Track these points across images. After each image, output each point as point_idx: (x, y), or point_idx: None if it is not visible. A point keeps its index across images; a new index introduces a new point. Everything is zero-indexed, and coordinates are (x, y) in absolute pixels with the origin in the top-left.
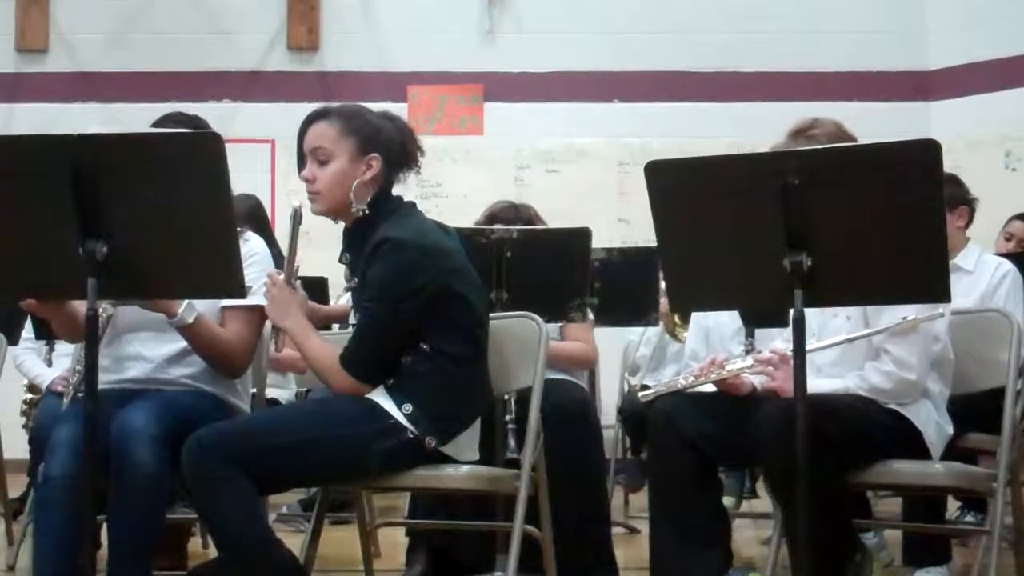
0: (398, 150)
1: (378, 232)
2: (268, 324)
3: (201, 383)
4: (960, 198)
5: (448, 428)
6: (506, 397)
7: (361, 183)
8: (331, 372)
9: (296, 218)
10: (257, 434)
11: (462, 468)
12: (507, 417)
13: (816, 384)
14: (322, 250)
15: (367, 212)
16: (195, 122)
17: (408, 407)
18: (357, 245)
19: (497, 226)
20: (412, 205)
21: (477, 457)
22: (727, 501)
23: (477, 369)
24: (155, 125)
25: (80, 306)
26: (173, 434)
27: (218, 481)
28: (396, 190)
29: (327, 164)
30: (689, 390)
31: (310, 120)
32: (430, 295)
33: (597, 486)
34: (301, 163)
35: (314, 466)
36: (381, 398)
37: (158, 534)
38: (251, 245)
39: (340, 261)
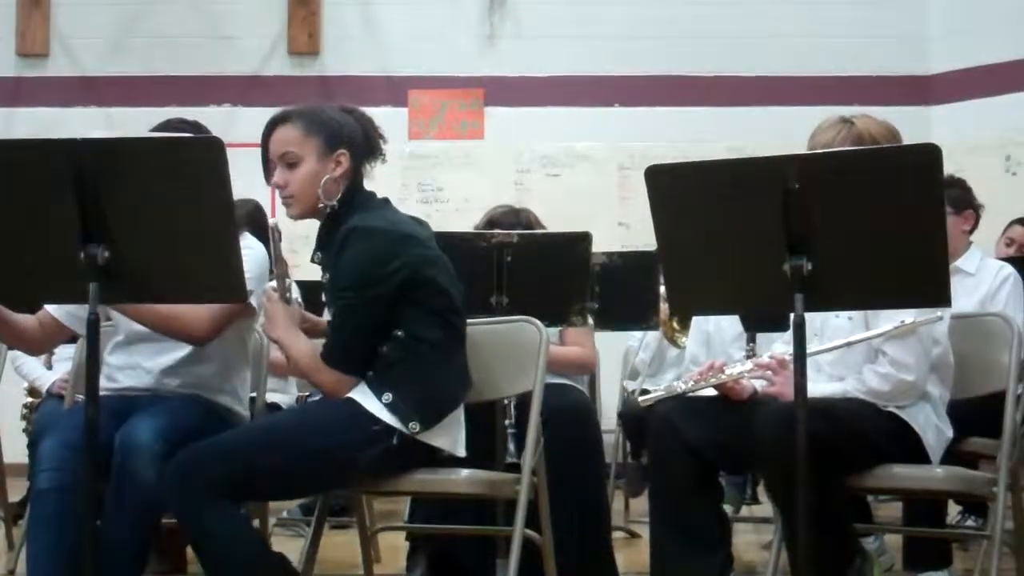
0: (363, 142)
1: (348, 222)
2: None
3: (199, 392)
4: (968, 202)
5: (429, 413)
6: (506, 401)
7: (331, 180)
8: (314, 371)
9: (276, 235)
10: (240, 453)
11: (462, 472)
12: (507, 422)
13: (815, 388)
14: None
15: (336, 207)
16: (196, 128)
17: (388, 396)
18: (329, 242)
19: (497, 230)
20: (385, 200)
21: (463, 454)
22: (727, 509)
23: (454, 354)
24: (154, 131)
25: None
26: (175, 447)
27: (200, 505)
28: (396, 193)
29: (297, 167)
30: (689, 394)
31: (272, 125)
32: (402, 280)
33: (597, 490)
34: (267, 171)
35: (301, 480)
36: (362, 394)
37: (149, 546)
38: (246, 241)
39: (312, 260)
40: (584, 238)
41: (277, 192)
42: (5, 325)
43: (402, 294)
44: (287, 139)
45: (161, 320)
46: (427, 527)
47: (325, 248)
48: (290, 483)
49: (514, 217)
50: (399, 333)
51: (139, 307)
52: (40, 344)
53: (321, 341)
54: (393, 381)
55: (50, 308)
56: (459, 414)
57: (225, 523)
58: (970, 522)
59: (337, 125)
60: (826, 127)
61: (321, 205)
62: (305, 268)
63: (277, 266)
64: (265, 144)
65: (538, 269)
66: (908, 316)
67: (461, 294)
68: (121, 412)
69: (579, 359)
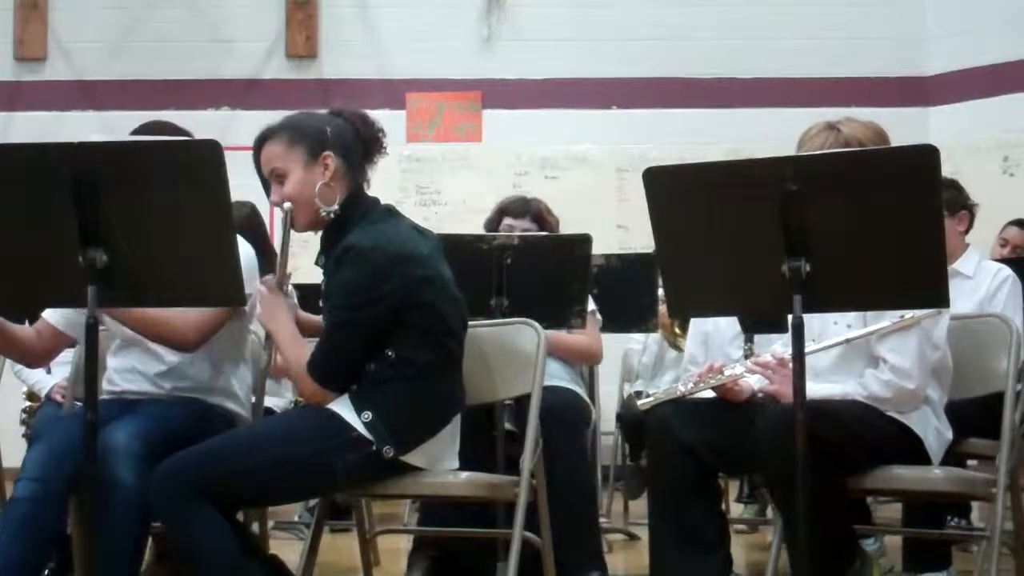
0: (352, 142)
1: (346, 238)
2: (263, 333)
3: (196, 394)
4: (961, 203)
5: (408, 437)
6: (507, 403)
7: (323, 186)
8: (300, 377)
9: (288, 221)
10: (219, 459)
11: (461, 475)
12: (507, 426)
13: (815, 389)
14: None
15: (337, 213)
16: (175, 132)
17: (368, 415)
18: (330, 249)
19: (499, 232)
20: (387, 210)
21: (456, 466)
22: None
23: (444, 378)
24: (134, 135)
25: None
26: (159, 449)
27: (182, 513)
28: (394, 196)
29: (285, 179)
30: (688, 396)
31: (258, 146)
32: (393, 303)
33: (584, 490)
34: (268, 191)
35: (279, 486)
36: (342, 407)
37: (142, 549)
38: None
39: (316, 263)
40: (584, 240)
41: (279, 210)
42: (1, 336)
43: (394, 315)
44: (272, 155)
45: (150, 325)
46: (426, 529)
47: (327, 255)
48: (269, 490)
49: (524, 206)
50: (389, 353)
51: (129, 312)
52: (39, 355)
53: (313, 342)
54: (375, 401)
55: (48, 316)
56: (448, 430)
57: (204, 530)
58: (953, 523)
59: (318, 130)
60: (813, 133)
61: (323, 213)
62: (302, 271)
63: (282, 254)
64: (258, 167)
65: (538, 271)
66: (908, 316)
67: (461, 312)
68: (117, 416)
69: (585, 347)
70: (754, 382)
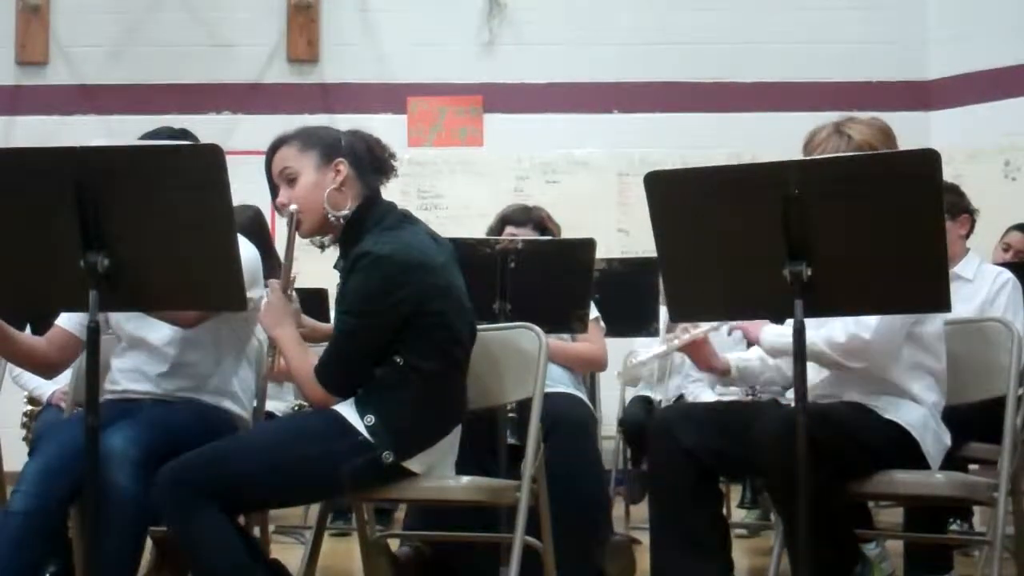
0: (364, 156)
1: (362, 243)
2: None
3: (199, 395)
4: (963, 207)
5: (408, 444)
6: (511, 415)
7: (334, 191)
8: (305, 383)
9: (294, 223)
10: (225, 461)
11: (463, 479)
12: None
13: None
14: (323, 262)
15: (347, 219)
16: (184, 136)
17: (370, 418)
18: (347, 253)
19: (504, 237)
20: (403, 215)
21: (453, 474)
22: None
23: (449, 387)
24: (144, 139)
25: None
26: (158, 454)
27: (188, 514)
28: (395, 200)
29: (296, 181)
30: (689, 398)
31: (271, 151)
32: (404, 311)
33: (603, 489)
34: (275, 196)
35: (285, 488)
36: (347, 409)
37: (139, 555)
38: None
39: (335, 267)
40: (588, 245)
41: (282, 215)
42: (12, 344)
43: (405, 323)
44: (285, 157)
45: None
46: (428, 533)
47: (344, 259)
48: (273, 492)
49: (526, 214)
50: (397, 359)
51: None
52: (55, 363)
53: (317, 348)
54: (379, 405)
55: (63, 323)
56: (447, 439)
57: (210, 532)
58: (954, 527)
59: (333, 139)
60: (823, 137)
61: (332, 218)
62: (304, 275)
63: (286, 258)
64: (268, 171)
65: (541, 275)
66: None
67: (470, 322)
68: (117, 420)
69: (589, 354)
70: (732, 361)
